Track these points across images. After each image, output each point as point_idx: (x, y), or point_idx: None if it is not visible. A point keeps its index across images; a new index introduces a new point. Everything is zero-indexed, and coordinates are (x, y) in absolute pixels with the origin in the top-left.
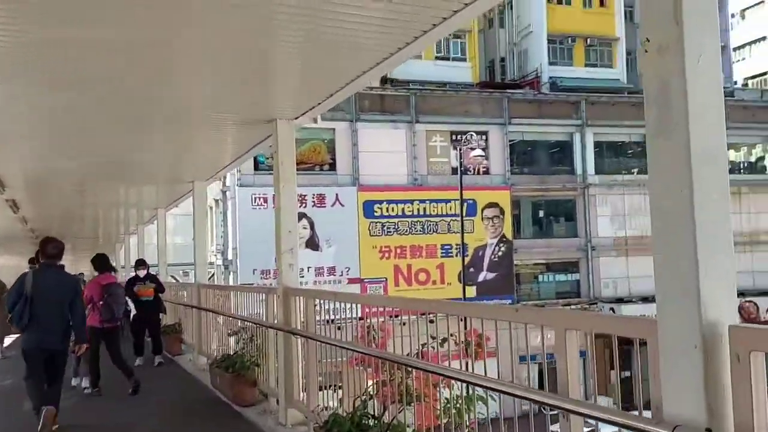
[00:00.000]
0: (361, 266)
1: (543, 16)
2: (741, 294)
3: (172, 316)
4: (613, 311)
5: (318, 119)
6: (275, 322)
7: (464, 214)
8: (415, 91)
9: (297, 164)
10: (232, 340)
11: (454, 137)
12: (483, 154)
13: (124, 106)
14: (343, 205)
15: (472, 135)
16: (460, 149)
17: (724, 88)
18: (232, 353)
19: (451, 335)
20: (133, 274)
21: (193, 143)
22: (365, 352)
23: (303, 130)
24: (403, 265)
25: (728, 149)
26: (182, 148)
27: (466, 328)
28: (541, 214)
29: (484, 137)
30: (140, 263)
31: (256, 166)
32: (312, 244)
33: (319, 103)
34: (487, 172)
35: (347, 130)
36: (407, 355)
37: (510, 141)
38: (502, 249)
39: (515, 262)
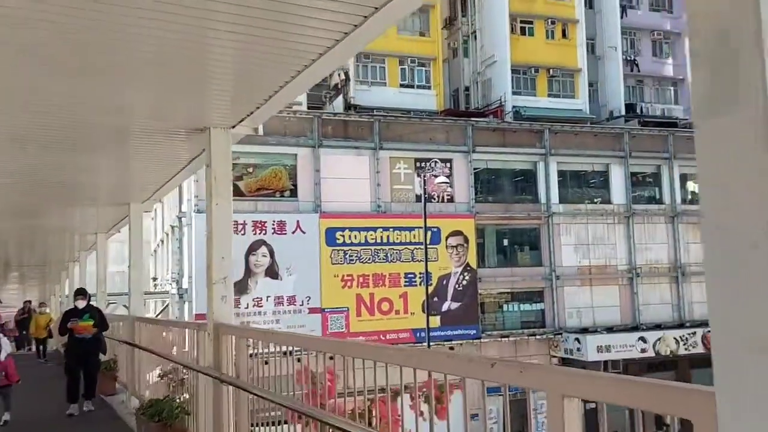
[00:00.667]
0: (322, 295)
1: (507, 47)
2: (704, 324)
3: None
4: (579, 342)
5: (260, 129)
6: (205, 364)
7: (428, 243)
8: (379, 117)
9: (257, 190)
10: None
11: (418, 164)
12: (447, 181)
13: (47, 117)
14: (304, 233)
15: (436, 162)
16: (425, 176)
17: (684, 120)
18: (162, 397)
19: (406, 388)
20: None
21: (123, 158)
22: (301, 411)
23: (264, 155)
24: (365, 294)
25: (689, 179)
26: (113, 165)
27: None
28: (506, 242)
29: (448, 165)
30: (79, 293)
31: None
32: (272, 272)
33: (255, 109)
34: (451, 200)
35: (310, 156)
36: (352, 411)
37: (474, 169)
38: (467, 278)
39: (480, 291)
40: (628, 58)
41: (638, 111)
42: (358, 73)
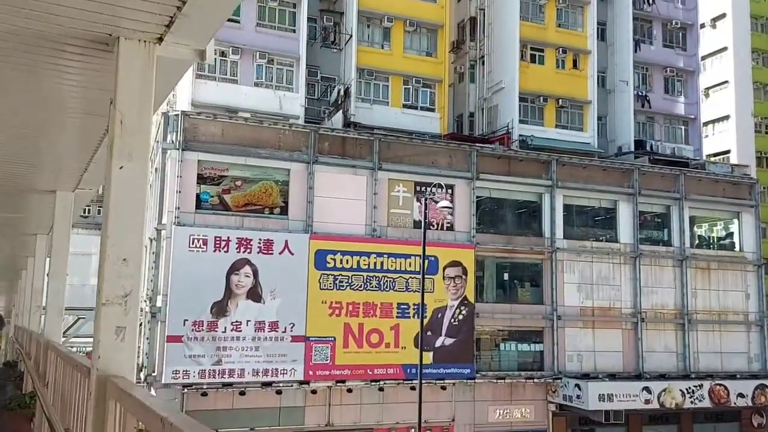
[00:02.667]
0: (307, 322)
1: (516, 73)
2: (709, 377)
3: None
4: (579, 388)
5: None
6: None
7: (425, 272)
8: (380, 136)
9: (245, 205)
10: None
11: (418, 188)
12: (451, 205)
13: None
14: (292, 253)
15: (440, 186)
16: (426, 199)
17: (694, 160)
18: None
19: None
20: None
21: (30, 125)
22: None
23: (255, 168)
24: (354, 323)
25: (697, 223)
26: (21, 136)
27: None
28: (506, 277)
29: (449, 191)
30: None
31: (198, 203)
32: (254, 294)
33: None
34: (451, 228)
35: (303, 172)
36: None
37: (477, 197)
38: (463, 312)
39: (476, 327)
40: (640, 94)
41: (648, 148)
42: (360, 90)
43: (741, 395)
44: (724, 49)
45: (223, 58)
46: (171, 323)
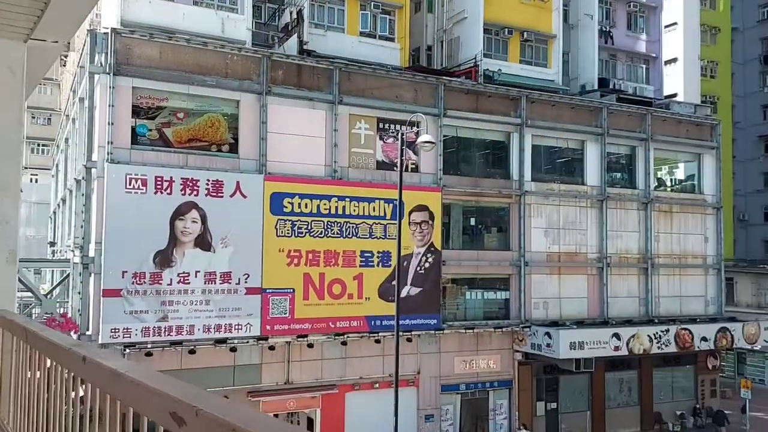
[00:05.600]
0: (263, 273)
1: (480, 1)
2: (672, 321)
3: None
4: (549, 336)
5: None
6: None
7: (390, 217)
8: (340, 65)
9: (188, 141)
10: None
11: (381, 125)
12: (433, 140)
13: None
14: (245, 196)
15: (415, 123)
16: (403, 134)
17: (657, 99)
18: None
19: None
20: None
21: None
22: None
23: (199, 98)
24: (314, 273)
25: (659, 165)
26: None
27: None
28: (473, 222)
29: (414, 128)
30: None
31: (134, 138)
32: (203, 242)
33: None
34: (416, 169)
35: (254, 105)
36: None
37: (443, 136)
38: (430, 260)
39: (442, 276)
40: (603, 29)
41: (611, 87)
42: (313, 14)
43: (704, 339)
44: None
45: None
46: (107, 275)
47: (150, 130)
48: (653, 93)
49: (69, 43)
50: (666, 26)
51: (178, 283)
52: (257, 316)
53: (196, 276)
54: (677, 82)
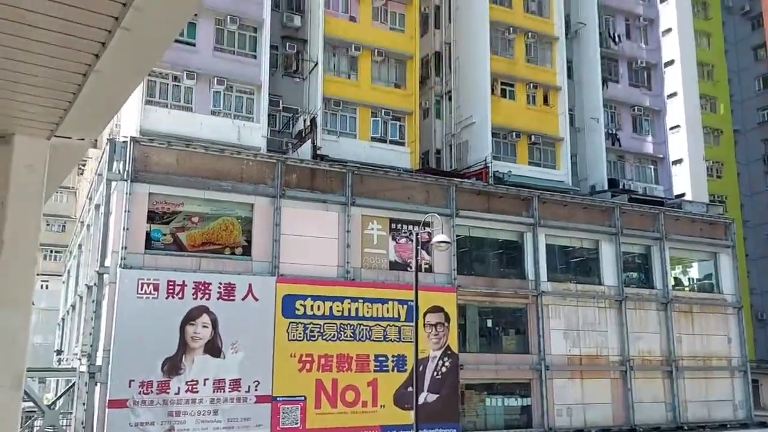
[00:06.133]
0: (274, 380)
1: (488, 108)
2: (700, 428)
3: None
4: None
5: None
6: None
7: (404, 319)
8: (353, 168)
9: (202, 244)
10: None
11: (393, 225)
12: (448, 240)
13: None
14: (257, 299)
15: (428, 223)
16: (418, 235)
17: (669, 199)
18: None
19: None
20: None
21: None
22: None
23: (213, 203)
24: (327, 379)
25: (675, 264)
26: None
27: None
28: (489, 323)
29: (427, 228)
30: None
31: (148, 243)
32: (213, 348)
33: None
34: (429, 269)
35: (268, 208)
36: None
37: (456, 236)
38: (447, 364)
39: (460, 381)
40: (610, 132)
41: (621, 187)
42: (326, 121)
43: None
44: (675, 94)
45: (176, 84)
46: (114, 385)
47: (164, 234)
48: (663, 193)
49: (96, 141)
50: (670, 128)
51: (186, 391)
52: (267, 426)
53: (204, 384)
54: (684, 182)
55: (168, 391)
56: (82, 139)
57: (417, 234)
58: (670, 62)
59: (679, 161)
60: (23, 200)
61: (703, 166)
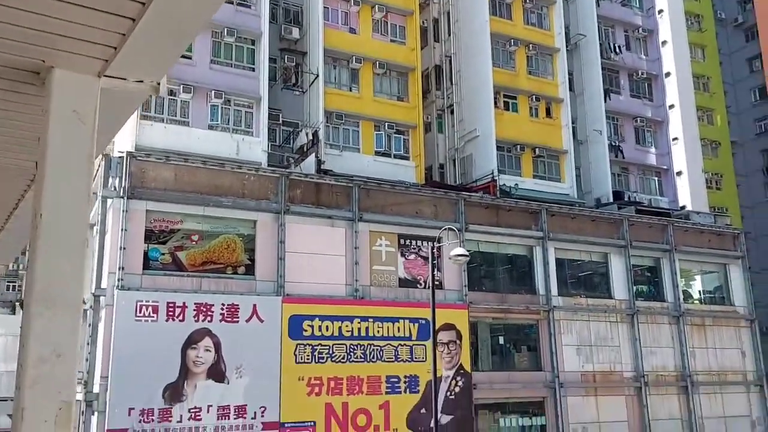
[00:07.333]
0: (281, 405)
1: (491, 121)
2: None
3: None
4: None
5: (163, 88)
6: None
7: (416, 338)
8: (359, 182)
9: (203, 264)
10: None
11: (402, 241)
12: (466, 253)
13: None
14: (262, 321)
15: (445, 236)
16: (433, 249)
17: (676, 211)
18: None
19: None
20: None
21: None
22: None
23: (214, 220)
24: (337, 403)
25: (684, 277)
26: None
27: None
28: (501, 340)
29: (438, 243)
30: None
31: (146, 263)
32: (216, 373)
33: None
34: (440, 286)
35: (272, 224)
36: None
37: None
38: (460, 383)
39: (474, 401)
40: (613, 144)
41: (626, 199)
42: (328, 135)
43: None
44: (672, 106)
45: (172, 97)
46: (113, 414)
47: (163, 254)
48: (668, 204)
49: (159, 85)
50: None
51: (189, 419)
52: None
53: (208, 411)
54: (684, 194)
55: (170, 419)
56: (141, 81)
57: (432, 248)
58: (667, 74)
59: (678, 173)
60: (67, 159)
61: (702, 178)
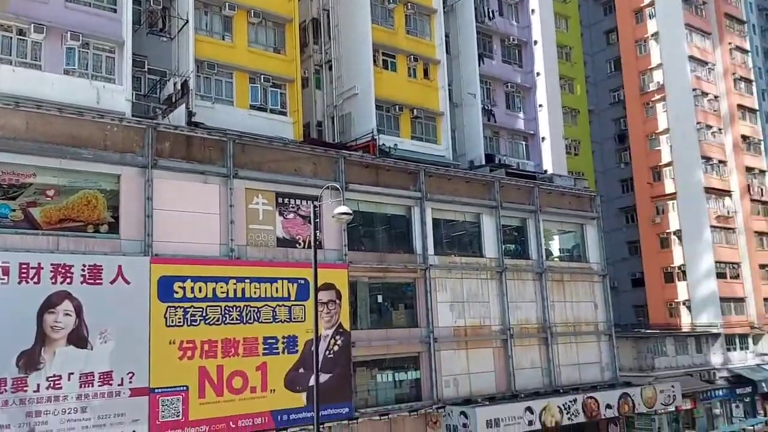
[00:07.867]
0: (151, 370)
1: (371, 79)
2: (575, 389)
3: None
4: (466, 416)
5: None
6: None
7: (295, 298)
8: (234, 137)
9: (59, 221)
10: None
11: (279, 200)
12: (350, 211)
13: None
14: (128, 282)
15: (331, 195)
16: (315, 207)
17: (539, 173)
18: None
19: None
20: None
21: None
22: None
23: (72, 173)
24: (211, 366)
25: (547, 236)
26: None
27: None
28: (380, 299)
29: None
30: None
31: None
32: (77, 339)
33: None
34: (319, 245)
35: (138, 179)
36: None
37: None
38: (339, 342)
39: (352, 358)
40: (486, 108)
41: (497, 162)
42: (200, 86)
43: (608, 406)
44: (538, 74)
45: (22, 38)
46: None
47: (13, 210)
48: (533, 168)
49: None
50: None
51: (48, 388)
52: (144, 421)
53: (69, 378)
54: (547, 158)
55: (25, 389)
56: None
57: (314, 207)
58: (535, 42)
59: (542, 139)
60: None
61: (563, 143)
